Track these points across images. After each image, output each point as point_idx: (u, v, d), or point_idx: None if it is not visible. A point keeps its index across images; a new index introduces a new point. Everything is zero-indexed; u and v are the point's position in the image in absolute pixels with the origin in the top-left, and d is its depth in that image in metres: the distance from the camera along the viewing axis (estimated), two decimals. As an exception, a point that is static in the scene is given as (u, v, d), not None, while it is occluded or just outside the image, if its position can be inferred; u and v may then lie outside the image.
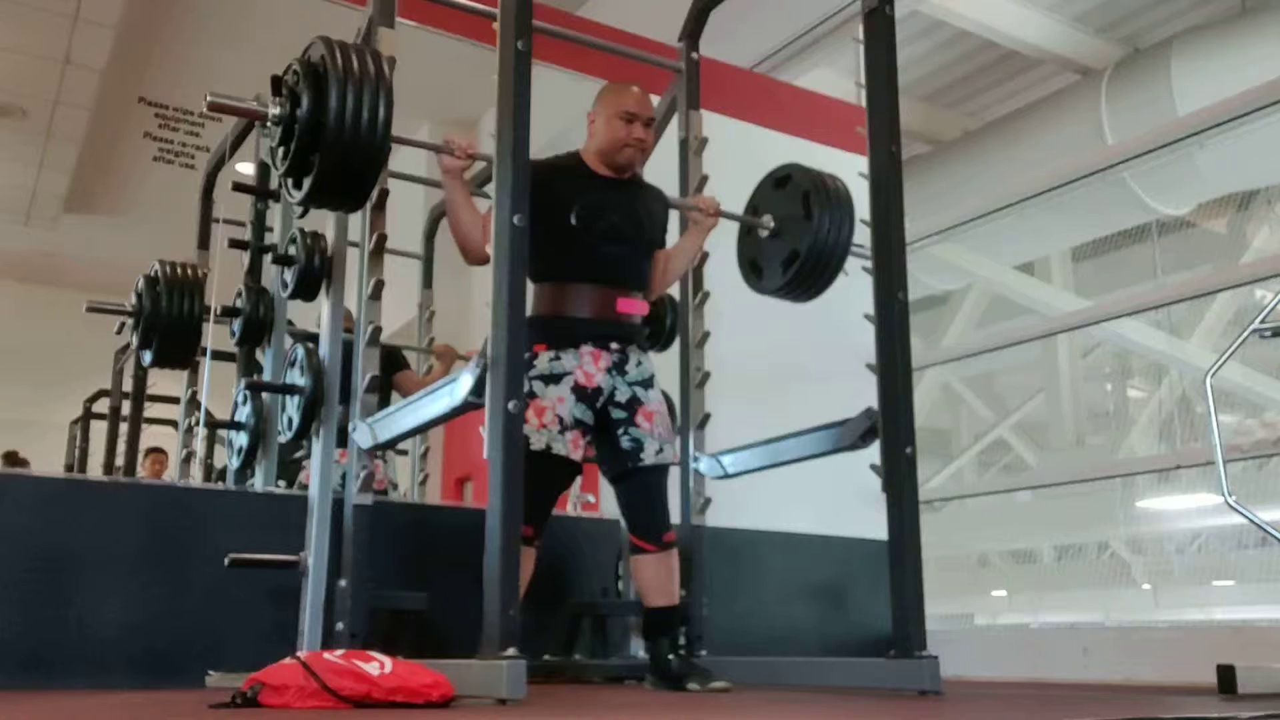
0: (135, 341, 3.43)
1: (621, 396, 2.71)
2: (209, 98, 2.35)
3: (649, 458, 2.72)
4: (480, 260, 2.56)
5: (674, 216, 3.09)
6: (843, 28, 5.05)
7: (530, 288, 2.45)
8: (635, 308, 2.78)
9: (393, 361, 4.12)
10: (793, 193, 3.05)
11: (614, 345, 2.71)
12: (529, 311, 2.43)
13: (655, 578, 2.72)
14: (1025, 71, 6.90)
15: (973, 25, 6.00)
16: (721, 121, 3.84)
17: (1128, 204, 5.83)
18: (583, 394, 2.66)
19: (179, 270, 3.35)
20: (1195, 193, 5.94)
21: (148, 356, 3.43)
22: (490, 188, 2.29)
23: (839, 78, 5.53)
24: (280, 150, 2.36)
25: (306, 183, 2.33)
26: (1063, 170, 4.36)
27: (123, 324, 3.47)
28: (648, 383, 2.76)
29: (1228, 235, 6.75)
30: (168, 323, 3.31)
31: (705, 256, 3.26)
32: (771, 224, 3.09)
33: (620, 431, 2.71)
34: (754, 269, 3.18)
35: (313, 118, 2.26)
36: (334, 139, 2.24)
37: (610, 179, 2.79)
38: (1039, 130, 6.13)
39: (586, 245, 2.70)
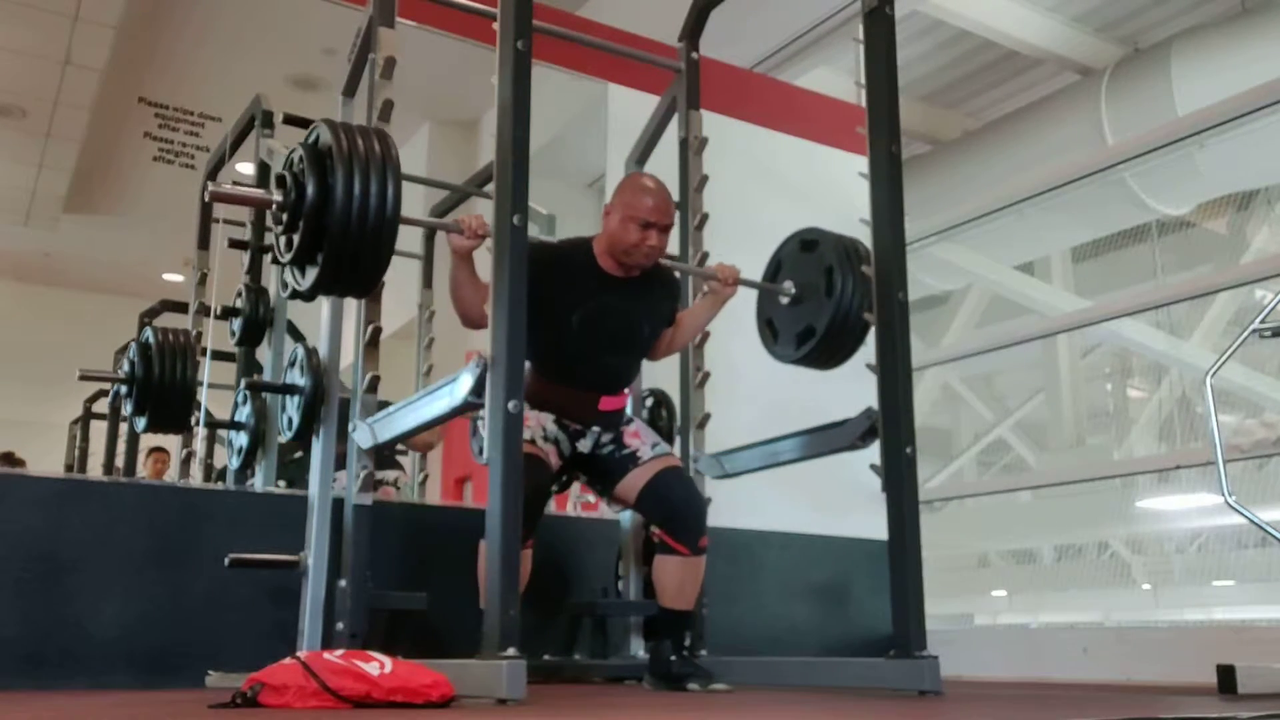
0: (128, 408, 3.40)
1: (605, 437, 2.76)
2: (210, 189, 2.26)
3: (646, 453, 2.75)
4: (479, 326, 2.48)
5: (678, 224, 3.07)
6: (843, 28, 5.05)
7: None
8: (618, 404, 2.78)
9: None
10: (817, 261, 2.94)
11: (595, 428, 2.75)
12: None
13: (679, 582, 2.69)
14: (1025, 71, 6.90)
15: (972, 25, 6.00)
16: (722, 121, 3.83)
17: (1128, 204, 5.83)
18: (564, 427, 2.71)
19: (171, 337, 3.34)
20: (1195, 193, 5.94)
21: (141, 423, 3.41)
22: (490, 188, 2.29)
23: (839, 78, 5.53)
24: (283, 240, 2.25)
25: (312, 272, 2.23)
26: (1063, 170, 4.35)
27: (116, 392, 3.44)
28: (627, 421, 2.80)
29: (1228, 235, 6.75)
30: (161, 390, 3.28)
31: (704, 256, 3.26)
32: (792, 290, 3.01)
33: (609, 451, 2.75)
34: (771, 330, 3.11)
35: (318, 207, 2.14)
36: (340, 230, 2.14)
37: (619, 278, 2.72)
38: (1039, 130, 6.13)
39: (581, 350, 2.68)
